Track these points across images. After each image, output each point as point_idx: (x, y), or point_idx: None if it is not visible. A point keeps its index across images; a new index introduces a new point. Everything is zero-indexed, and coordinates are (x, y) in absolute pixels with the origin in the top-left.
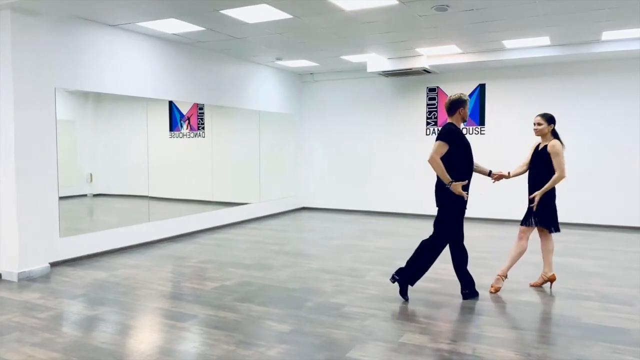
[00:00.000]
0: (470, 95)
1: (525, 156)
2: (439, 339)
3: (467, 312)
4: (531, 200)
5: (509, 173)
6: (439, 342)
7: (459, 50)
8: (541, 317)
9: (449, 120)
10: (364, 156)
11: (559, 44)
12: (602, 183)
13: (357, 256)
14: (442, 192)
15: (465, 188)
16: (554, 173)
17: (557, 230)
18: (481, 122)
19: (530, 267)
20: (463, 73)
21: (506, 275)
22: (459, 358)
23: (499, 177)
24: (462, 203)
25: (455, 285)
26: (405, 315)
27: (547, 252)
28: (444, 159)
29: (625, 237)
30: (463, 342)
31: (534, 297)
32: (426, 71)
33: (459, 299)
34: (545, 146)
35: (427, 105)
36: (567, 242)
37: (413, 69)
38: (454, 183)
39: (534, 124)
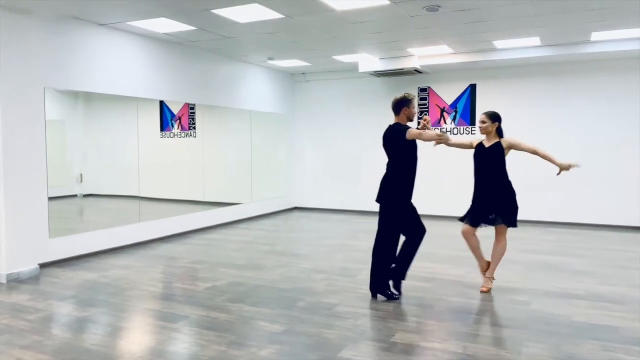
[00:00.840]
0: (461, 95)
1: (466, 138)
2: (430, 338)
3: (457, 311)
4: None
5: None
6: (430, 341)
7: (450, 51)
8: (532, 316)
9: (395, 121)
10: (356, 156)
11: (549, 45)
12: (592, 182)
13: (349, 256)
14: (387, 187)
15: (410, 188)
16: (505, 169)
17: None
18: (472, 122)
19: (520, 266)
20: (454, 73)
21: (493, 277)
22: (450, 357)
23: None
24: (405, 198)
25: (446, 285)
26: (396, 315)
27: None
28: (394, 155)
29: (616, 235)
30: (454, 341)
31: (524, 295)
32: (417, 71)
33: (450, 298)
34: (495, 144)
35: (419, 105)
36: (558, 240)
37: (404, 69)
38: (440, 133)
39: (479, 122)
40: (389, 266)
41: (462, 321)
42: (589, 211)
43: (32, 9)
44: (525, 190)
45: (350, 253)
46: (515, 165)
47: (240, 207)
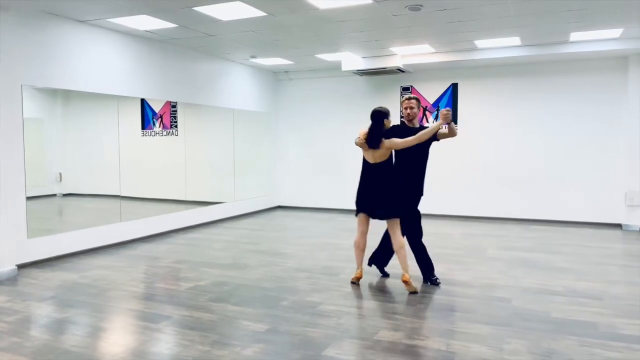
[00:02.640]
0: (443, 94)
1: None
2: (413, 335)
3: (440, 309)
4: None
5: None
6: (413, 339)
7: (433, 50)
8: (512, 313)
9: None
10: (339, 155)
11: (529, 45)
12: (571, 180)
13: (332, 254)
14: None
15: (419, 189)
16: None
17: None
18: (453, 120)
19: (501, 263)
20: (436, 72)
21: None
22: (433, 354)
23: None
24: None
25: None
26: (380, 313)
27: (362, 250)
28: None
29: (594, 232)
30: (437, 338)
31: (505, 292)
32: (400, 70)
33: (432, 296)
34: None
35: (401, 103)
36: (538, 238)
37: (387, 68)
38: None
39: None
40: (426, 252)
41: (445, 318)
42: (568, 209)
43: (8, 4)
44: (506, 188)
45: (333, 252)
46: (499, 163)
47: (223, 206)
